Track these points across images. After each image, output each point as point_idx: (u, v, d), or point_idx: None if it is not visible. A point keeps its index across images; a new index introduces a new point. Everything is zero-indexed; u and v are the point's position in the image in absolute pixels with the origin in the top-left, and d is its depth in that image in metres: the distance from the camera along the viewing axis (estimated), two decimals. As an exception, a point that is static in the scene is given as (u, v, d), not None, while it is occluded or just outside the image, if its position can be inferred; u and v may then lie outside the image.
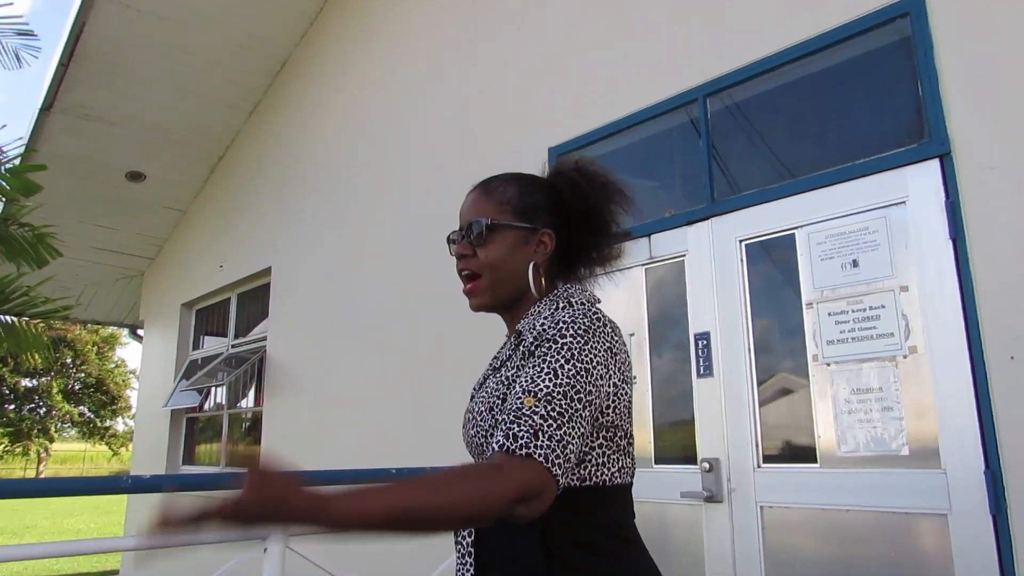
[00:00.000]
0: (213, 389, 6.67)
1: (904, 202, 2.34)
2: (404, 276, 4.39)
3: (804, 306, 2.55)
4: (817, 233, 2.54)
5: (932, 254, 2.26)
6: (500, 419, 1.04)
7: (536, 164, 3.53)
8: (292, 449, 5.15)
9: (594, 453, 1.12)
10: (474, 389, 1.32)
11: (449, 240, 1.33)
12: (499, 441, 0.98)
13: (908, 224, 2.33)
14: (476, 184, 1.35)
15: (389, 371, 4.37)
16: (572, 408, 1.02)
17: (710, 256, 2.83)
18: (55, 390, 27.98)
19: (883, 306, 2.36)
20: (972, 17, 2.25)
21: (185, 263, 7.44)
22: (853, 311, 2.43)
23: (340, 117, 5.37)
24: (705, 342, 2.80)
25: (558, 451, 0.97)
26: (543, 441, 0.97)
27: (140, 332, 8.57)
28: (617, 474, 1.15)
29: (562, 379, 1.04)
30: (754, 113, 2.87)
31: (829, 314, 2.48)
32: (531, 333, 1.15)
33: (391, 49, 4.93)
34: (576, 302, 1.19)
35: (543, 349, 1.08)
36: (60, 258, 5.62)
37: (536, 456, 0.96)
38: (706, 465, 2.70)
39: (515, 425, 0.99)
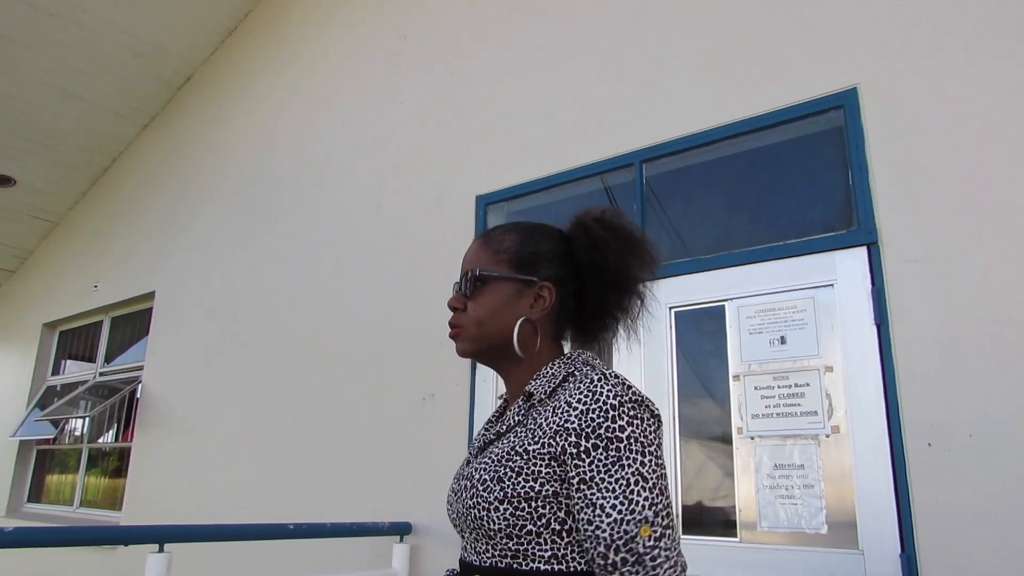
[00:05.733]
0: (71, 420, 6.05)
1: (832, 285, 2.42)
2: (302, 315, 4.16)
3: (731, 378, 2.57)
4: (747, 307, 2.59)
5: (856, 337, 2.34)
6: (619, 558, 0.95)
7: (462, 211, 3.50)
8: (165, 492, 4.71)
9: None
10: (470, 453, 1.21)
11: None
12: None
13: (835, 306, 2.41)
14: (481, 233, 1.26)
15: (279, 416, 4.09)
16: (667, 496, 1.00)
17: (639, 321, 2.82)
18: None
19: (808, 384, 2.42)
20: (901, 117, 2.38)
21: (52, 280, 6.79)
22: (779, 387, 2.47)
23: (247, 143, 5.09)
24: (628, 407, 2.77)
25: (679, 548, 0.98)
26: (677, 561, 0.96)
27: (-11, 351, 7.71)
28: None
29: (651, 479, 0.98)
30: (689, 183, 2.92)
31: (755, 388, 2.51)
32: (567, 416, 1.02)
33: (310, 77, 4.75)
34: (609, 373, 1.06)
35: (612, 452, 0.98)
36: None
37: None
38: (623, 533, 2.64)
39: (656, 567, 0.94)
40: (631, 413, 1.01)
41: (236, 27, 5.47)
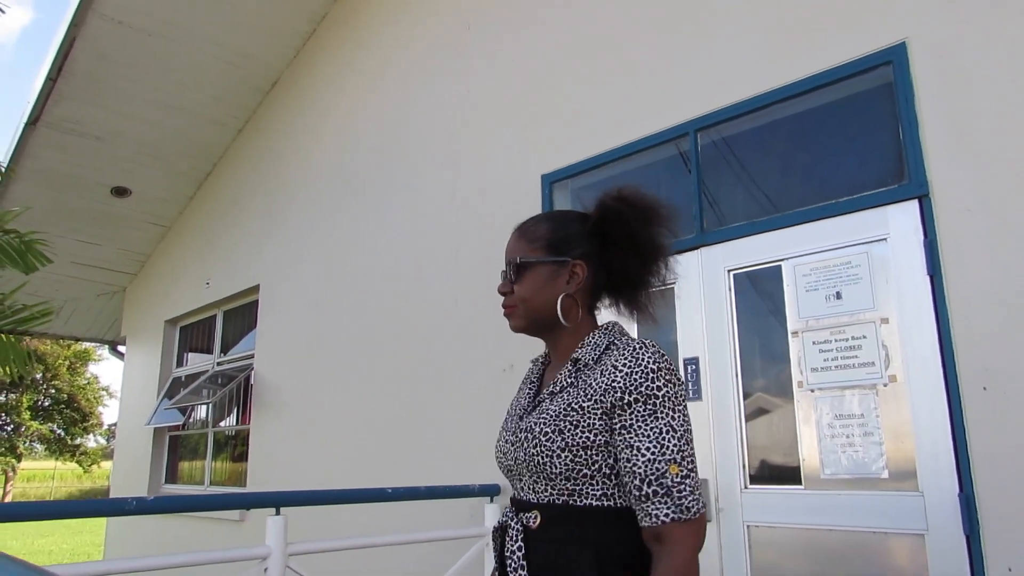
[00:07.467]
0: (196, 407, 6.65)
1: (885, 239, 2.49)
2: (393, 298, 4.47)
3: (789, 334, 2.67)
4: (802, 265, 2.68)
5: (911, 289, 2.40)
6: (651, 490, 1.17)
7: (529, 190, 3.69)
8: (280, 467, 5.18)
9: None
10: (513, 410, 1.41)
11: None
12: (669, 515, 1.15)
13: (889, 260, 2.47)
14: (517, 226, 1.45)
15: (377, 391, 4.43)
16: (692, 445, 1.21)
17: (699, 284, 2.95)
18: (24, 406, 27.25)
19: (864, 337, 2.50)
20: (951, 69, 2.40)
21: (169, 279, 7.44)
22: (836, 340, 2.56)
23: (330, 138, 5.45)
24: (694, 367, 2.91)
25: (702, 490, 1.20)
26: (698, 495, 1.18)
27: (121, 349, 8.52)
28: None
29: (679, 430, 1.20)
30: (742, 149, 3.01)
31: (813, 343, 2.61)
32: (614, 377, 1.23)
33: (384, 72, 5.03)
34: (648, 342, 1.26)
35: (649, 406, 1.21)
36: (40, 272, 5.54)
37: (703, 510, 1.18)
38: (695, 486, 2.80)
39: (682, 498, 1.16)
40: (666, 377, 1.23)
41: (314, 30, 5.82)
